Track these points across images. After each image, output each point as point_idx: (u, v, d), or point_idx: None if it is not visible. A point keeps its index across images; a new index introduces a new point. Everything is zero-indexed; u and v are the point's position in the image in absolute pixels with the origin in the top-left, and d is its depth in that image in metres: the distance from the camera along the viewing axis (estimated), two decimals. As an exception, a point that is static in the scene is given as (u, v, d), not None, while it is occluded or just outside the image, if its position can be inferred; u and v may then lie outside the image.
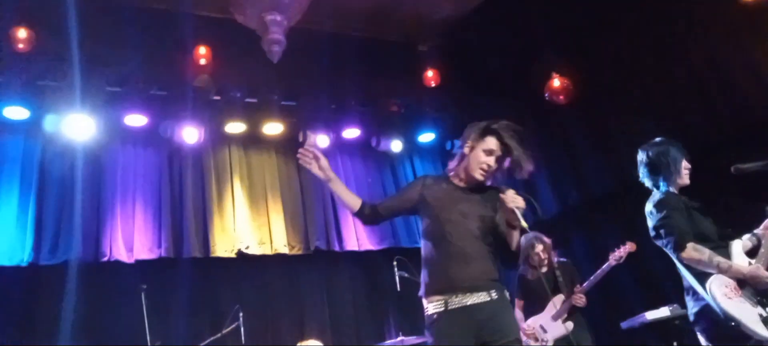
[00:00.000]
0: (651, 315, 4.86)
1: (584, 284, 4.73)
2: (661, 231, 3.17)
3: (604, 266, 4.72)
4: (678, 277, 3.29)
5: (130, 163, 6.01)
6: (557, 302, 4.71)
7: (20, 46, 5.08)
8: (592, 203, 6.39)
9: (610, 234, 5.53)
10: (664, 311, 4.80)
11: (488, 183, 2.89)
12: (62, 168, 5.60)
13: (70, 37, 4.91)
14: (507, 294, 2.81)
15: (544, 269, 4.84)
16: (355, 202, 3.02)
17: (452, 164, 2.99)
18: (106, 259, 5.53)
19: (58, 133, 5.54)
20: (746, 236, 3.21)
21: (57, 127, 5.51)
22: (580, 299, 4.69)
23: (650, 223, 3.26)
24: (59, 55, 5.13)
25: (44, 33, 5.16)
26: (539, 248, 4.82)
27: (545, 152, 6.70)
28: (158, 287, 5.24)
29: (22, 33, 5.05)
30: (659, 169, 3.33)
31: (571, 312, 4.72)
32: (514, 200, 2.69)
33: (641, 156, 3.43)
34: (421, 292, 2.83)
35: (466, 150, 2.90)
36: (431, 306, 2.73)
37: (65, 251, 5.39)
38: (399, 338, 5.24)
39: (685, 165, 3.33)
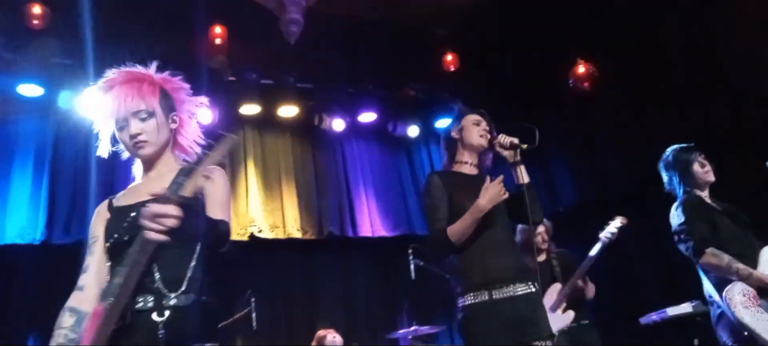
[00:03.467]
0: (672, 311, 4.70)
1: (577, 271, 4.36)
2: (682, 235, 3.16)
3: (595, 248, 4.34)
4: (698, 273, 3.22)
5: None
6: (554, 291, 4.41)
7: (35, 22, 5.01)
8: (612, 198, 6.23)
9: (629, 229, 5.36)
10: (686, 307, 4.64)
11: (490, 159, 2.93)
12: (76, 147, 5.55)
13: (84, 15, 4.84)
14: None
15: (542, 257, 4.59)
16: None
17: (447, 159, 2.99)
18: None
19: (72, 112, 5.49)
20: None
21: (71, 105, 5.45)
22: (588, 289, 4.43)
23: (672, 226, 3.22)
24: (74, 32, 5.06)
25: (59, 10, 5.09)
26: (541, 229, 4.57)
27: (564, 144, 6.56)
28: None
29: (36, 9, 4.98)
30: (674, 178, 3.34)
31: (571, 303, 4.39)
32: (504, 139, 2.83)
33: (660, 166, 3.46)
34: (456, 285, 2.72)
35: (454, 135, 2.95)
36: (470, 297, 2.62)
37: (78, 230, 5.36)
38: (413, 328, 5.16)
39: (699, 166, 3.28)
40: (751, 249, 3.05)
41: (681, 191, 3.31)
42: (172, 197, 1.62)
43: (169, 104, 2.08)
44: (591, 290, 4.52)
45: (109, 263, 1.95)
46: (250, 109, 6.28)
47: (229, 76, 6.04)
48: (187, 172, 1.79)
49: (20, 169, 5.37)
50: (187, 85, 2.19)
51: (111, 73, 2.05)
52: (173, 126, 2.10)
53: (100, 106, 2.03)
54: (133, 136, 1.97)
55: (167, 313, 1.79)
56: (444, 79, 6.62)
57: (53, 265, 5.34)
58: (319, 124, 6.70)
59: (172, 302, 1.81)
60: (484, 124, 2.93)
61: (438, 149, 7.34)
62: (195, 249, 1.92)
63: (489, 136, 2.90)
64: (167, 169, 2.04)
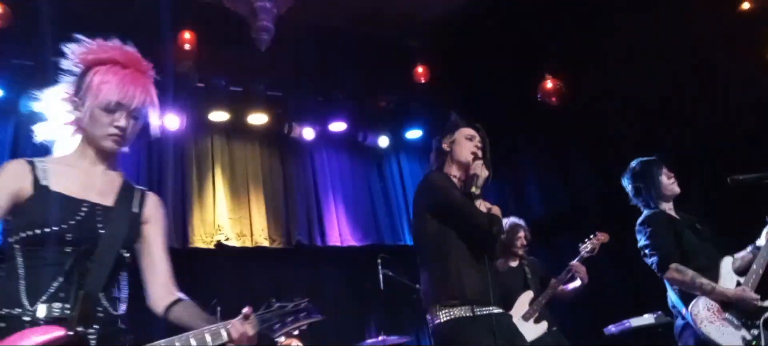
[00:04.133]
0: (635, 322, 4.79)
1: (553, 280, 4.36)
2: (646, 250, 3.23)
3: (575, 260, 4.37)
4: (664, 284, 3.27)
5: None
6: (526, 300, 4.33)
7: (-3, 24, 4.87)
8: (581, 209, 6.33)
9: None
10: (648, 319, 4.73)
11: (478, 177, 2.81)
12: (35, 151, 5.37)
13: (46, 15, 4.71)
14: None
15: (515, 263, 4.48)
16: None
17: (435, 168, 2.92)
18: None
19: (34, 115, 5.32)
20: (748, 249, 3.17)
21: (32, 107, 5.29)
22: (580, 270, 4.29)
23: (639, 242, 3.27)
24: (35, 33, 4.92)
25: (20, 10, 4.95)
26: (521, 234, 4.46)
27: (535, 154, 6.64)
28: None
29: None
30: (640, 190, 3.38)
31: (542, 314, 4.35)
32: (476, 168, 2.74)
33: (624, 182, 3.49)
34: (429, 297, 2.68)
35: (445, 146, 2.89)
36: (445, 313, 2.57)
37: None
38: (381, 337, 5.13)
39: (665, 178, 3.33)
40: (713, 262, 3.12)
41: (647, 203, 3.36)
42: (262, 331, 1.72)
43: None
44: (581, 277, 4.36)
45: (21, 254, 1.68)
46: (218, 115, 6.20)
47: (197, 83, 5.95)
48: (131, 190, 1.87)
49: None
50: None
51: (104, 44, 1.89)
52: None
53: (98, 80, 1.81)
54: (119, 128, 1.81)
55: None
56: (415, 91, 6.66)
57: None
58: (288, 132, 6.65)
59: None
60: (477, 140, 2.86)
61: (408, 160, 7.41)
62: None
63: (477, 150, 2.81)
64: (112, 172, 1.91)
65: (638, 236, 3.29)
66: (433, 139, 3.05)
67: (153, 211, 1.94)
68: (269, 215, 6.38)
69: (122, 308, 1.82)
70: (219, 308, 4.92)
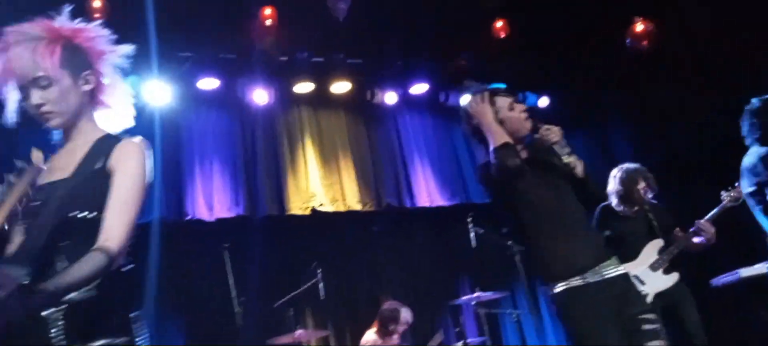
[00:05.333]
0: (746, 272, 4.50)
1: (691, 229, 4.00)
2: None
3: (717, 208, 4.08)
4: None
5: (206, 126, 6.16)
6: (653, 248, 4.08)
7: (96, 16, 5.22)
8: (673, 164, 5.97)
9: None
10: (761, 268, 4.44)
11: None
12: (142, 132, 5.77)
13: (144, 6, 5.01)
14: None
15: (636, 209, 4.15)
16: None
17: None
18: (189, 217, 5.72)
19: (137, 99, 5.70)
20: None
21: (136, 91, 5.69)
22: (708, 231, 3.95)
23: (750, 179, 3.05)
24: (132, 21, 5.25)
25: (117, 2, 5.28)
26: (642, 184, 4.10)
27: (622, 111, 6.35)
28: (238, 246, 5.40)
29: (96, 2, 5.20)
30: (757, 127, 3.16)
31: (673, 264, 4.07)
32: (548, 133, 2.60)
33: (742, 123, 3.27)
34: (543, 272, 2.60)
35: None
36: (562, 285, 2.50)
37: (149, 210, 5.62)
38: (476, 294, 5.19)
39: None
40: None
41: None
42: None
43: (78, 61, 1.76)
44: (708, 238, 4.05)
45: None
46: (303, 87, 6.38)
47: (281, 57, 6.15)
48: (105, 147, 1.69)
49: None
50: (105, 32, 1.85)
51: (4, 30, 1.72)
52: (87, 87, 1.79)
53: None
54: (37, 107, 1.70)
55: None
56: (495, 47, 6.53)
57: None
58: (371, 98, 6.75)
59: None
60: (520, 106, 2.70)
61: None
62: None
63: (528, 117, 2.66)
64: (83, 140, 1.79)
65: (750, 174, 3.06)
66: (516, 93, 2.91)
67: (120, 158, 1.74)
68: (359, 180, 6.55)
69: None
70: (319, 270, 5.16)
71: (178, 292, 5.61)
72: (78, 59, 1.76)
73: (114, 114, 1.90)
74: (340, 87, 6.49)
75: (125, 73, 1.90)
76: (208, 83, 5.98)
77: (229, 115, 6.30)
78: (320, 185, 6.36)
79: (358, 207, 6.44)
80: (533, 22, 6.27)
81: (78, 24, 1.79)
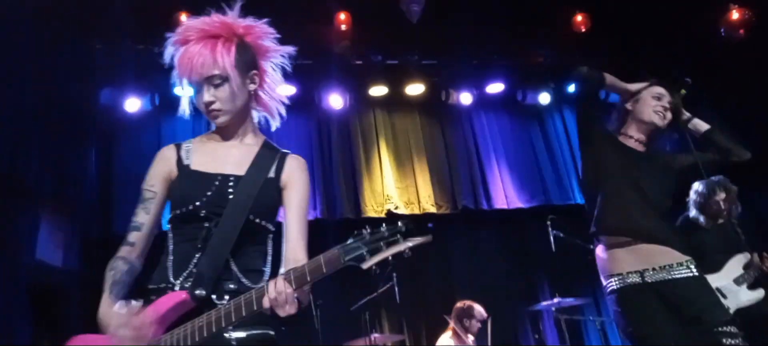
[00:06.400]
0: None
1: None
2: None
3: None
4: None
5: (283, 132, 6.28)
6: (738, 262, 3.94)
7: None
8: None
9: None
10: None
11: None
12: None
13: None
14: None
15: (721, 221, 4.07)
16: None
17: (615, 126, 2.75)
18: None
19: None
20: None
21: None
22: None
23: None
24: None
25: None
26: (721, 196, 4.03)
27: (717, 104, 5.91)
28: (316, 250, 5.46)
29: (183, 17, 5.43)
30: None
31: (759, 280, 3.87)
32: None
33: None
34: (604, 269, 2.55)
35: (628, 105, 2.71)
36: (616, 280, 2.45)
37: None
38: (556, 299, 5.01)
39: None
40: None
41: None
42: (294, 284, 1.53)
43: (247, 61, 1.82)
44: None
45: (172, 232, 1.75)
46: (378, 90, 6.42)
47: (355, 61, 6.20)
48: (272, 156, 1.78)
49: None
50: (272, 30, 1.90)
51: (186, 24, 1.78)
52: (252, 86, 1.86)
53: (175, 63, 1.77)
54: (207, 105, 1.76)
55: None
56: (573, 41, 6.27)
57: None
58: (446, 99, 6.69)
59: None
60: (666, 99, 2.67)
61: (572, 115, 7.04)
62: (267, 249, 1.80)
63: (664, 113, 2.65)
64: (249, 140, 1.88)
65: None
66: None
67: (291, 174, 1.85)
68: (434, 182, 6.50)
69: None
70: (395, 274, 5.15)
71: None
72: (247, 58, 1.82)
73: (269, 115, 1.97)
74: (415, 89, 6.48)
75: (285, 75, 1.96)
76: (285, 90, 6.09)
77: (305, 121, 6.42)
78: (395, 188, 6.37)
79: (432, 210, 6.39)
80: (615, 14, 5.98)
81: (249, 21, 1.84)
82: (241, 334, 1.64)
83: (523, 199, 6.62)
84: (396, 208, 6.28)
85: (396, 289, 5.05)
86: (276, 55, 1.91)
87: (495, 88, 6.67)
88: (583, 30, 6.04)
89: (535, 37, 6.38)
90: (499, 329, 6.11)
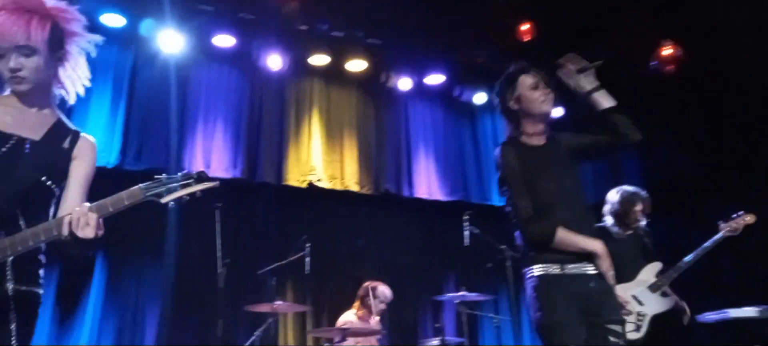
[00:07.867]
0: (735, 313, 4.44)
1: (689, 256, 4.09)
2: None
3: (714, 237, 4.10)
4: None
5: (215, 83, 6.10)
6: (652, 270, 4.10)
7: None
8: (679, 186, 5.90)
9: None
10: (749, 311, 4.39)
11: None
12: (151, 78, 5.77)
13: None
14: None
15: (629, 232, 4.19)
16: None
17: (511, 130, 2.73)
18: (185, 171, 5.66)
19: (151, 44, 5.68)
20: None
21: (150, 35, 5.64)
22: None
23: None
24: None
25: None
26: (638, 206, 4.13)
27: (642, 125, 6.24)
28: (230, 209, 5.35)
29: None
30: None
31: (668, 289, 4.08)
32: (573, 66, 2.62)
33: None
34: (526, 257, 2.58)
35: (512, 105, 2.68)
36: (539, 268, 2.49)
37: (149, 158, 5.60)
38: (461, 293, 5.15)
39: None
40: None
41: None
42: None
43: (57, 39, 1.95)
44: None
45: None
46: (319, 59, 6.31)
47: (301, 26, 6.07)
48: (68, 131, 1.90)
49: (99, 95, 5.58)
50: (81, 17, 2.04)
51: None
52: (58, 64, 2.00)
53: None
54: (12, 70, 1.87)
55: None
56: (517, 49, 6.42)
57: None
58: (385, 81, 6.68)
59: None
60: (542, 84, 2.64)
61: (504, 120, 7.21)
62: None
63: (548, 98, 2.62)
64: (46, 112, 2.00)
65: None
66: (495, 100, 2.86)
67: (83, 148, 2.01)
68: (361, 161, 6.51)
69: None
70: (308, 245, 5.12)
71: (163, 244, 5.56)
72: (58, 37, 1.95)
73: (65, 93, 2.09)
74: (356, 65, 6.43)
75: (141, 16, 2.16)
76: (224, 40, 5.92)
77: (239, 76, 6.24)
78: (321, 160, 6.31)
79: (355, 188, 6.40)
80: (558, 30, 6.16)
81: (61, 4, 1.98)
82: (20, 287, 1.83)
83: (443, 192, 6.75)
84: (319, 180, 6.24)
85: (307, 259, 5.02)
86: (82, 40, 2.05)
87: (435, 79, 6.73)
88: (527, 39, 6.19)
89: (480, 37, 6.47)
90: (402, 314, 6.24)
